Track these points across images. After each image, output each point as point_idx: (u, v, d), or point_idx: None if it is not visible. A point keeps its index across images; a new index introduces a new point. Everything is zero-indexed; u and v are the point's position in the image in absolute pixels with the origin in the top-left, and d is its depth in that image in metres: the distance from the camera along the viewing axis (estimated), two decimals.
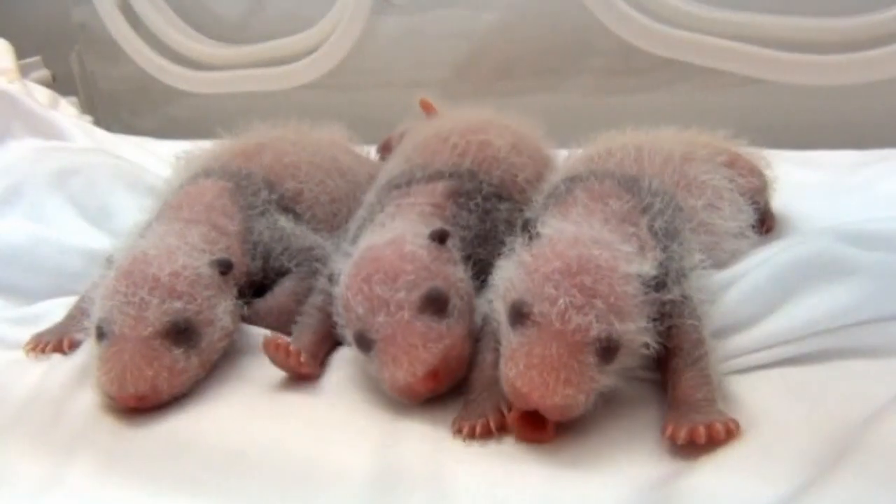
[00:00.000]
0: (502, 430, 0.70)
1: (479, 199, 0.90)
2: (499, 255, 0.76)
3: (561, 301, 0.65)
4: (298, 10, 1.79)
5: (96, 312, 0.80)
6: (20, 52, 1.77)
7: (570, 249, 0.67)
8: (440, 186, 0.90)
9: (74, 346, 0.90)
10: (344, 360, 0.84)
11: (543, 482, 0.65)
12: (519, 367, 0.65)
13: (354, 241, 0.84)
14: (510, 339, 0.68)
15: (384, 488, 0.66)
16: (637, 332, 0.67)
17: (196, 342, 0.79)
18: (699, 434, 0.64)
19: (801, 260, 0.78)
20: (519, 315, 0.67)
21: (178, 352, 0.77)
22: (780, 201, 1.04)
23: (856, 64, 1.31)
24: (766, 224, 0.99)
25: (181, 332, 0.78)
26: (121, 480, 0.70)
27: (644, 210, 0.77)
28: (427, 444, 0.70)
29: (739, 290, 0.79)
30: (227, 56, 1.85)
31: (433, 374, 0.70)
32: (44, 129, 1.49)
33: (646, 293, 0.68)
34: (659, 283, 0.69)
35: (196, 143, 1.21)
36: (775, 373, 0.75)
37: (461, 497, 0.65)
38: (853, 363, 0.74)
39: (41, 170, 1.23)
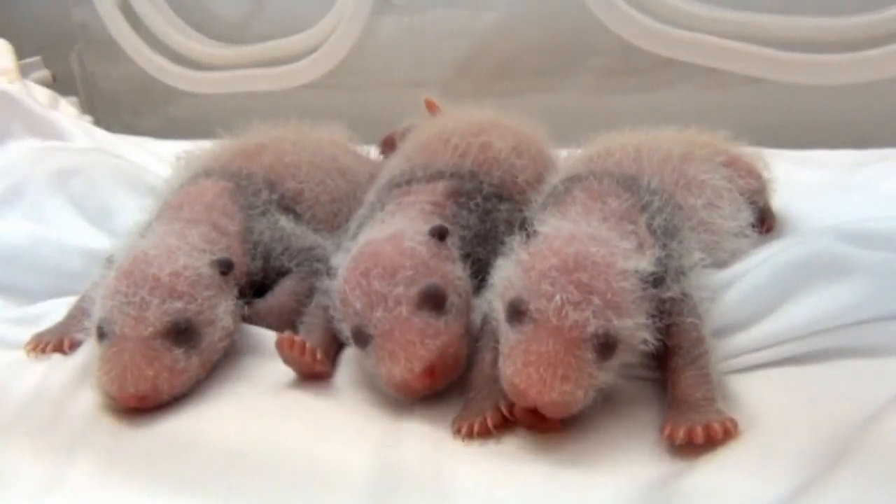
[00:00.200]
0: (500, 427, 0.70)
1: (479, 199, 0.90)
2: (498, 254, 0.76)
3: (557, 298, 0.65)
4: (299, 10, 1.79)
5: (97, 312, 0.80)
6: (20, 53, 1.77)
7: (567, 247, 0.68)
8: (441, 186, 0.90)
9: (75, 345, 0.90)
10: (344, 360, 0.84)
11: (543, 482, 0.65)
12: (517, 364, 0.65)
13: (354, 239, 0.84)
14: (508, 336, 0.68)
15: (384, 488, 0.66)
16: (635, 328, 0.67)
17: (196, 342, 0.79)
18: (697, 434, 0.64)
19: (801, 259, 0.78)
20: (516, 312, 0.67)
21: (178, 352, 0.77)
22: (780, 201, 1.04)
23: (856, 64, 1.30)
24: (766, 223, 0.99)
25: (182, 332, 0.78)
26: (121, 480, 0.70)
27: (643, 208, 0.77)
28: (427, 444, 0.70)
29: (740, 289, 0.79)
30: (227, 56, 1.85)
31: (430, 371, 0.70)
32: (44, 130, 1.49)
33: (644, 289, 0.68)
34: (657, 279, 0.69)
35: (196, 143, 1.21)
36: (775, 372, 0.75)
37: (461, 497, 0.65)
38: (853, 363, 0.75)
39: (41, 170, 1.23)
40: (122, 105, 2.15)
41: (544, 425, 0.68)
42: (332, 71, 1.72)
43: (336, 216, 1.05)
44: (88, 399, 0.80)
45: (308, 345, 0.78)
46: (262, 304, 0.91)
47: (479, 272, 0.82)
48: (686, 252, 0.77)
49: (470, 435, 0.69)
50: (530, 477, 0.66)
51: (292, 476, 0.69)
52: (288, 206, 1.00)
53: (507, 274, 0.71)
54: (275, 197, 0.98)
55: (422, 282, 0.73)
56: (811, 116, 1.43)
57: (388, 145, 1.20)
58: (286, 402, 0.78)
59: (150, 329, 0.76)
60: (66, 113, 1.67)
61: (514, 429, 0.71)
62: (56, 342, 0.90)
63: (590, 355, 0.65)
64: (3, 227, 1.13)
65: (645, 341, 0.68)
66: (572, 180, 0.82)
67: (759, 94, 1.46)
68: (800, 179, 1.15)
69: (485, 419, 0.69)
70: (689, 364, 0.70)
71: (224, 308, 0.82)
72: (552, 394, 0.63)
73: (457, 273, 0.78)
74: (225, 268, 0.84)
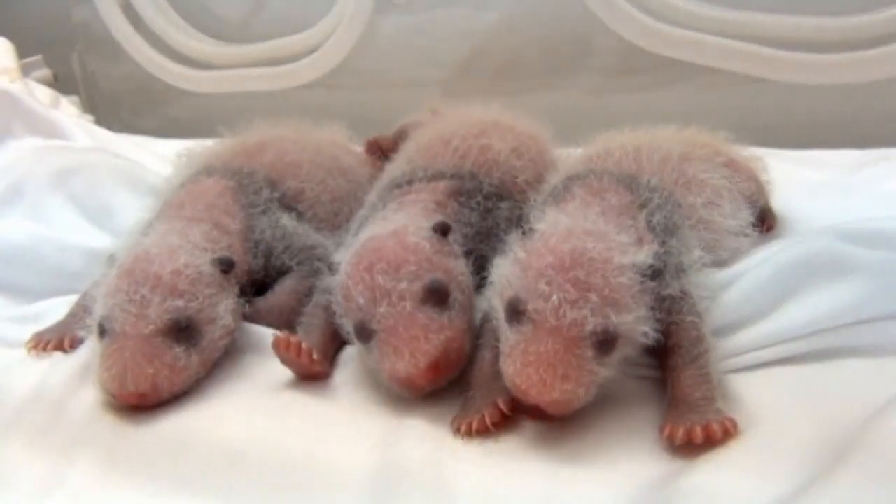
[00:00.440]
0: (499, 425, 0.70)
1: (479, 198, 0.90)
2: (499, 252, 0.76)
3: (555, 297, 0.65)
4: (299, 9, 1.79)
5: (98, 310, 0.80)
6: (21, 52, 1.77)
7: (563, 243, 0.67)
8: (442, 185, 0.90)
9: (76, 344, 0.90)
10: (344, 360, 0.84)
11: (543, 481, 0.65)
12: (517, 364, 0.65)
13: (356, 236, 0.84)
14: (508, 336, 0.68)
15: (385, 487, 0.66)
16: (635, 322, 0.67)
17: (197, 340, 0.79)
18: (696, 435, 0.64)
19: (801, 259, 0.78)
20: (515, 312, 0.67)
21: (179, 350, 0.77)
22: (780, 200, 1.04)
23: (856, 64, 1.31)
24: (766, 223, 0.99)
25: (182, 331, 0.78)
26: (121, 480, 0.71)
27: (642, 205, 0.77)
28: (427, 442, 0.70)
29: (740, 288, 0.79)
30: (228, 55, 1.85)
31: (434, 366, 0.70)
32: (45, 129, 1.49)
33: (642, 283, 0.68)
34: (655, 272, 0.68)
35: (197, 143, 1.21)
36: (776, 371, 0.75)
37: (461, 496, 0.65)
38: (853, 362, 0.75)
39: (42, 169, 1.23)
40: (123, 104, 2.15)
41: (549, 417, 0.68)
42: (332, 71, 1.72)
43: (337, 215, 1.05)
44: (89, 398, 0.80)
45: (304, 345, 0.77)
46: (263, 302, 0.91)
47: (481, 269, 0.82)
48: (685, 249, 0.77)
49: (469, 433, 0.69)
50: (530, 476, 0.66)
51: (293, 475, 0.69)
52: (289, 205, 1.00)
53: (505, 272, 0.71)
54: (276, 195, 0.98)
55: (426, 277, 0.73)
56: (811, 116, 1.43)
57: (373, 149, 1.19)
58: (286, 400, 0.78)
59: (151, 327, 0.77)
60: (67, 112, 1.67)
61: (513, 427, 0.71)
62: (57, 340, 0.90)
63: (589, 353, 0.65)
64: (4, 227, 1.13)
65: (645, 334, 0.68)
66: (572, 179, 0.82)
67: (759, 94, 1.46)
68: (800, 179, 1.15)
69: (483, 416, 0.69)
70: (688, 363, 0.70)
71: (225, 306, 0.82)
72: (553, 393, 0.64)
73: (460, 269, 0.78)
74: (226, 266, 0.84)
